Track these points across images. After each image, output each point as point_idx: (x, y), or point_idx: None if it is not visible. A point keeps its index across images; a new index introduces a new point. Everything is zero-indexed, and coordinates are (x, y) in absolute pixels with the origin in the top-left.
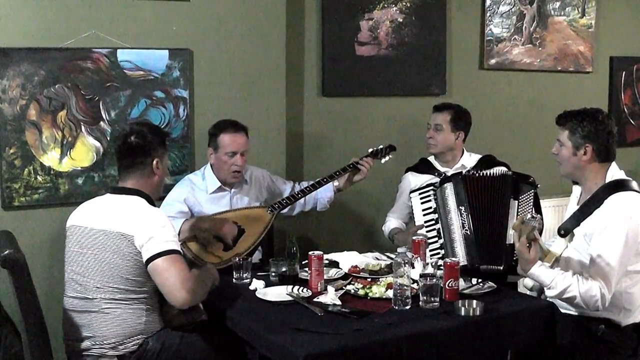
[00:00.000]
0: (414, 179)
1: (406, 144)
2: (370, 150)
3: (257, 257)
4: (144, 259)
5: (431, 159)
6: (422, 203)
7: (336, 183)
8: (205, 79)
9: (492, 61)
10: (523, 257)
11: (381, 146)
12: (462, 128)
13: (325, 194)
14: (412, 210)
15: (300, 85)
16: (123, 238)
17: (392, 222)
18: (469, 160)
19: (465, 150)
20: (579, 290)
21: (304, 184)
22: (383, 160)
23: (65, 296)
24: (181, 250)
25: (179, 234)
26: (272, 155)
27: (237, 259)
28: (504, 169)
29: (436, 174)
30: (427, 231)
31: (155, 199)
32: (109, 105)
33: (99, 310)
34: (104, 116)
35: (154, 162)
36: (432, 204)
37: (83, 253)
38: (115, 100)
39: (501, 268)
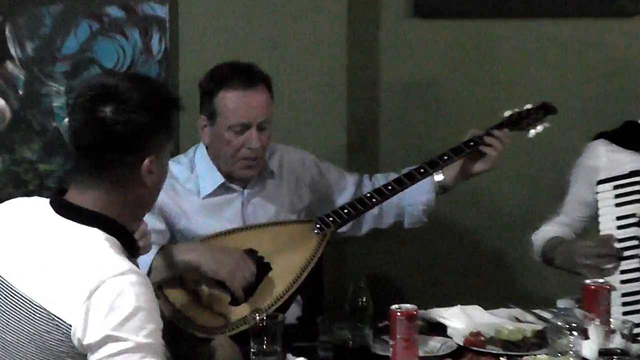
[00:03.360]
0: (609, 153)
1: (576, 104)
2: (507, 114)
3: (294, 313)
4: None
5: None
6: (618, 204)
7: (439, 177)
8: None
9: None
10: None
11: (528, 106)
12: None
13: (418, 197)
14: (598, 210)
15: None
16: (53, 323)
17: (551, 228)
18: None
19: None
20: None
21: (380, 180)
22: (532, 132)
23: None
24: (163, 354)
25: (149, 273)
26: (321, 128)
27: (257, 318)
28: None
29: None
30: (622, 248)
31: (132, 227)
32: (23, 32)
33: None
34: (12, 51)
35: (146, 162)
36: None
37: None
38: (35, 23)
39: None
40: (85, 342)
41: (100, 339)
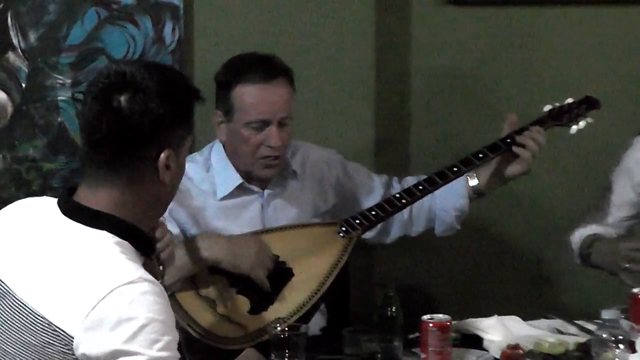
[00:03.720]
0: None
1: (621, 98)
2: (547, 109)
3: (317, 323)
4: None
5: None
6: None
7: (473, 181)
8: None
9: None
10: None
11: (570, 100)
12: None
13: (451, 201)
14: None
15: None
16: (54, 335)
17: (590, 226)
18: None
19: None
20: None
21: (410, 183)
22: (574, 128)
23: None
24: None
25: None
26: (347, 124)
27: (278, 329)
28: None
29: None
30: None
31: (149, 228)
32: (26, 20)
33: None
34: (14, 41)
35: (164, 155)
36: None
37: None
38: (39, 10)
39: None
40: (93, 356)
41: (109, 353)
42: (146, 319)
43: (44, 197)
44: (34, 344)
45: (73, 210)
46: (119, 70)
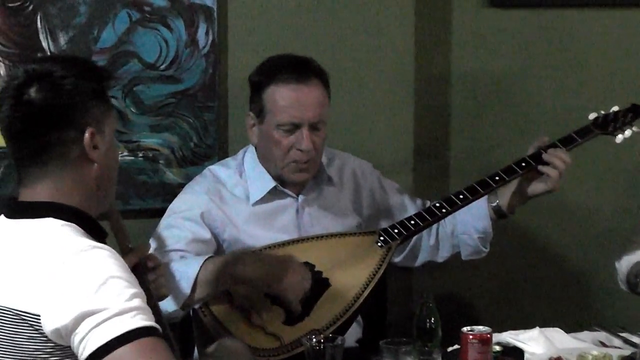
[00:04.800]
0: None
1: None
2: (592, 117)
3: (353, 335)
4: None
5: None
6: None
7: (495, 202)
8: None
9: None
10: None
11: (615, 109)
12: None
13: (473, 224)
14: None
15: None
16: (20, 320)
17: (636, 252)
18: None
19: None
20: None
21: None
22: (620, 137)
23: None
24: (157, 327)
25: (194, 288)
26: (385, 130)
27: (313, 340)
28: None
29: None
30: None
31: (97, 213)
32: (56, 22)
33: None
34: (44, 44)
35: (87, 134)
36: None
37: None
38: (69, 12)
39: None
40: (60, 326)
41: (74, 318)
42: (104, 277)
43: None
44: (3, 339)
45: (15, 211)
46: (25, 69)
